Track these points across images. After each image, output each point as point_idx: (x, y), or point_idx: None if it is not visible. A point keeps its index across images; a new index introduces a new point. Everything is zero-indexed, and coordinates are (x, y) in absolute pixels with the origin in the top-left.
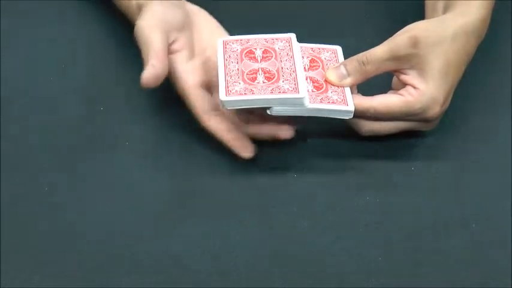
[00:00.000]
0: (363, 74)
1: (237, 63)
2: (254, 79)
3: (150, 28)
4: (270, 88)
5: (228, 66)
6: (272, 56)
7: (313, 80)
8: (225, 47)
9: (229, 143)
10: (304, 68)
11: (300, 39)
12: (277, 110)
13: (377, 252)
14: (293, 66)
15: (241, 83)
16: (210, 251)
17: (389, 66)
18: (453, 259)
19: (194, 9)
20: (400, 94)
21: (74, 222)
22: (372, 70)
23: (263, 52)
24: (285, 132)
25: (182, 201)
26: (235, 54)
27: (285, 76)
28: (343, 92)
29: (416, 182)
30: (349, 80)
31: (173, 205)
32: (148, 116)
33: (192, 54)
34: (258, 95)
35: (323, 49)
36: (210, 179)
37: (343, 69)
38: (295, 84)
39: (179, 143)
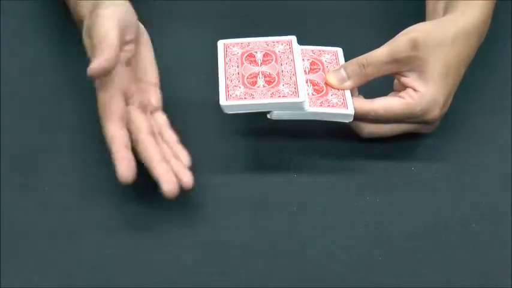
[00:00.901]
0: (363, 76)
1: (238, 66)
2: (254, 83)
3: (111, 21)
4: (270, 92)
5: (228, 70)
6: (272, 60)
7: (313, 83)
8: (225, 50)
9: (115, 158)
10: (305, 70)
11: (300, 42)
12: (277, 114)
13: (377, 252)
14: (293, 70)
15: (242, 87)
16: (210, 251)
17: (390, 68)
18: (453, 259)
19: (142, 26)
20: (400, 96)
21: (74, 222)
22: (372, 73)
23: (263, 55)
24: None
25: (182, 201)
26: (235, 58)
27: (285, 80)
28: (343, 95)
29: (416, 182)
30: (349, 83)
31: (173, 205)
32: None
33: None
34: (258, 99)
35: (323, 51)
36: (210, 179)
37: (343, 72)
38: (295, 88)
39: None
